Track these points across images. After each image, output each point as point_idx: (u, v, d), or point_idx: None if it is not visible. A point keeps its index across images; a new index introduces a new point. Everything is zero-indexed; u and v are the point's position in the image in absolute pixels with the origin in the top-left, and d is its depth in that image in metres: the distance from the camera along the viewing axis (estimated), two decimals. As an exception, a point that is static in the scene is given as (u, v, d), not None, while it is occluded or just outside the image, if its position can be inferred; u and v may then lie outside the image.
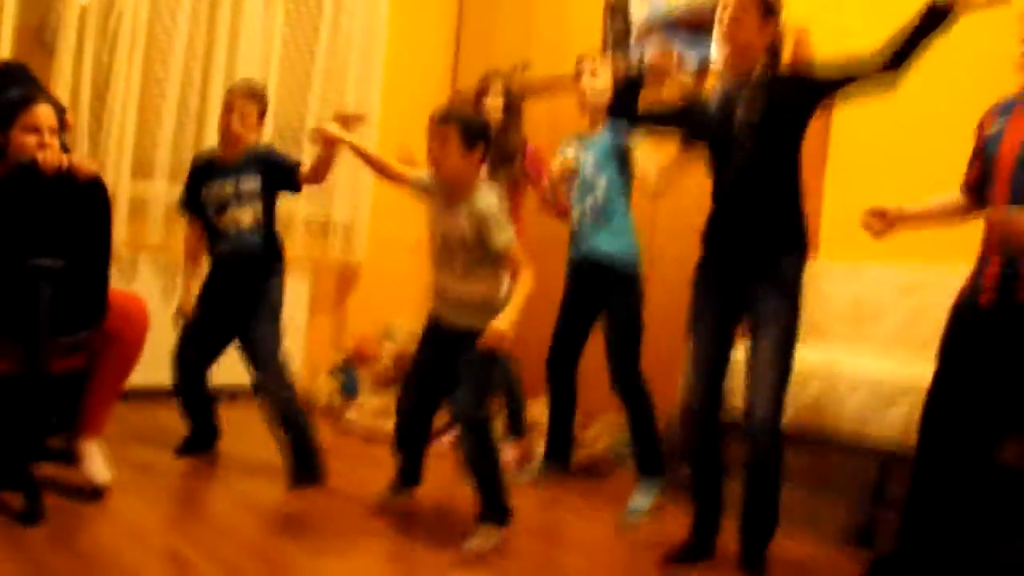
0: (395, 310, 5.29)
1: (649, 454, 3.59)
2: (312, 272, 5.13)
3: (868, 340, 3.72)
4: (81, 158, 2.80)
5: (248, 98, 3.50)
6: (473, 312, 2.91)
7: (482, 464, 2.92)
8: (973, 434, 2.59)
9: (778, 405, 2.71)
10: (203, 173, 3.56)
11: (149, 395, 4.24)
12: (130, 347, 3.01)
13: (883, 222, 2.88)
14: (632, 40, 4.71)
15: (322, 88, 5.15)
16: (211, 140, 4.27)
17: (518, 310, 2.82)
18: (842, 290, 4.02)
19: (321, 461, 3.35)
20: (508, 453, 4.01)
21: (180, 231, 4.56)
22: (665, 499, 3.52)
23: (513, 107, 4.09)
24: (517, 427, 4.17)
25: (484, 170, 3.29)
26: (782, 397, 2.72)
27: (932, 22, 2.47)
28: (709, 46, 4.32)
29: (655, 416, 3.59)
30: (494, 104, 4.02)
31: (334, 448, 3.45)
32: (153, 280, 4.60)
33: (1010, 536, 2.73)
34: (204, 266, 3.63)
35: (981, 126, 2.72)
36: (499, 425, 4.19)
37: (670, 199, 4.22)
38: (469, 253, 2.91)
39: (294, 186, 3.51)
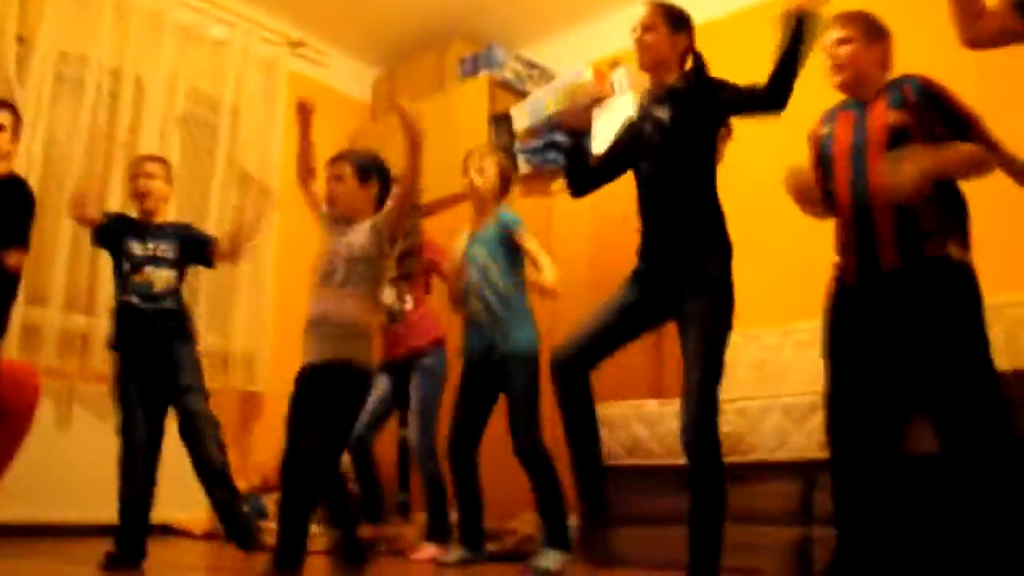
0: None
1: (555, 526, 3.46)
2: (214, 403, 4.98)
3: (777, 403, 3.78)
4: None
5: (157, 162, 3.60)
6: (340, 337, 2.87)
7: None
8: (879, 425, 2.64)
9: (706, 404, 2.72)
10: (122, 225, 3.53)
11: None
12: (20, 417, 2.88)
13: None
14: (517, 147, 4.93)
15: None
16: (105, 272, 4.20)
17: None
18: (743, 357, 4.13)
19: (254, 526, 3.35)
20: (426, 552, 3.94)
21: (74, 358, 4.49)
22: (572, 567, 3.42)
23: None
24: (441, 530, 4.04)
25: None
26: (711, 396, 2.73)
27: (794, 37, 2.67)
28: (590, 144, 4.55)
29: (561, 490, 3.49)
30: None
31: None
32: (46, 408, 4.40)
33: (933, 525, 2.75)
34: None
35: (813, 134, 2.91)
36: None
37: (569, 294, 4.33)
38: (352, 265, 2.91)
39: (208, 260, 3.58)
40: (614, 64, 4.74)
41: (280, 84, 5.57)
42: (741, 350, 4.12)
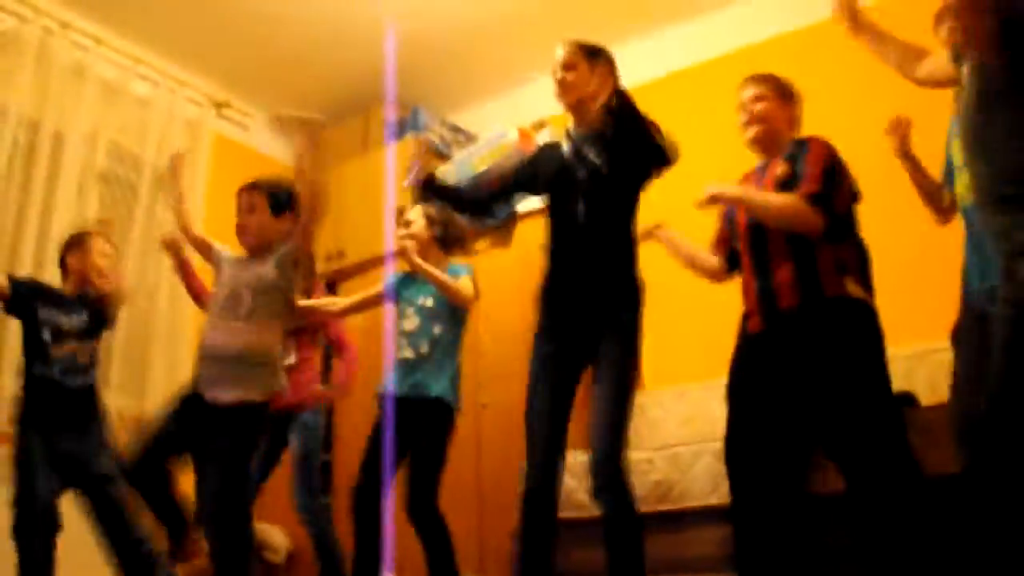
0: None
1: None
2: (125, 469, 4.80)
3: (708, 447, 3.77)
4: None
5: (110, 243, 3.56)
6: (243, 371, 2.84)
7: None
8: (779, 467, 2.65)
9: (617, 441, 2.70)
10: (34, 291, 3.39)
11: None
12: None
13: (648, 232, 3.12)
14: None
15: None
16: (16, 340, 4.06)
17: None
18: (672, 413, 4.13)
19: None
20: None
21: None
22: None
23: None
24: None
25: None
26: (622, 436, 2.71)
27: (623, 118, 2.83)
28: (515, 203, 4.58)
29: (453, 552, 3.39)
30: None
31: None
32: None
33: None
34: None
35: None
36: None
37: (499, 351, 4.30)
38: (256, 297, 2.91)
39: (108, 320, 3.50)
40: (540, 125, 4.84)
41: (203, 144, 5.51)
42: (670, 406, 4.13)
